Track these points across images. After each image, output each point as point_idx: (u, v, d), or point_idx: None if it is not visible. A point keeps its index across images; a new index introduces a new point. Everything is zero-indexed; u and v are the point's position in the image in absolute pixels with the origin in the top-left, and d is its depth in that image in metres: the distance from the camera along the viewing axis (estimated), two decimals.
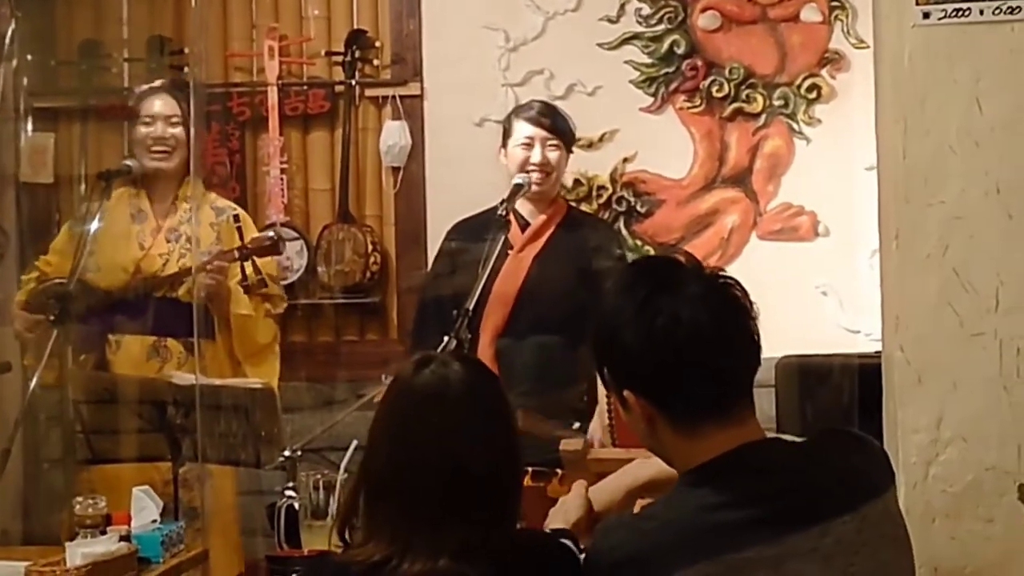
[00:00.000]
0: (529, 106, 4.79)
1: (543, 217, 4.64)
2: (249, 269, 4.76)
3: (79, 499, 3.46)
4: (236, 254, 4.76)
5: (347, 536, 2.44)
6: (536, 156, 4.59)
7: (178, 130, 4.92)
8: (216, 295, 4.76)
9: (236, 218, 4.90)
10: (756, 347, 2.36)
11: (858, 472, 2.36)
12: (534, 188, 4.57)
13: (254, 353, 4.92)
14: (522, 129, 4.65)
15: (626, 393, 2.36)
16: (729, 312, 2.34)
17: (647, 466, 2.88)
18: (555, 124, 4.66)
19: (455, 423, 2.37)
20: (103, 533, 3.40)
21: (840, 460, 2.38)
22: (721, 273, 2.39)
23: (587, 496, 2.84)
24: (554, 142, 4.63)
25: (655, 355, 2.30)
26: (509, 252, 4.55)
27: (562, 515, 2.76)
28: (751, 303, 2.36)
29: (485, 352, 4.48)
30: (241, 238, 4.83)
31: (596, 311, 2.42)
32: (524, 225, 4.63)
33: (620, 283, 2.41)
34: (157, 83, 5.14)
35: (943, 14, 3.08)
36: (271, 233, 4.91)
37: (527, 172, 4.57)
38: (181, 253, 4.88)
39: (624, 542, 2.28)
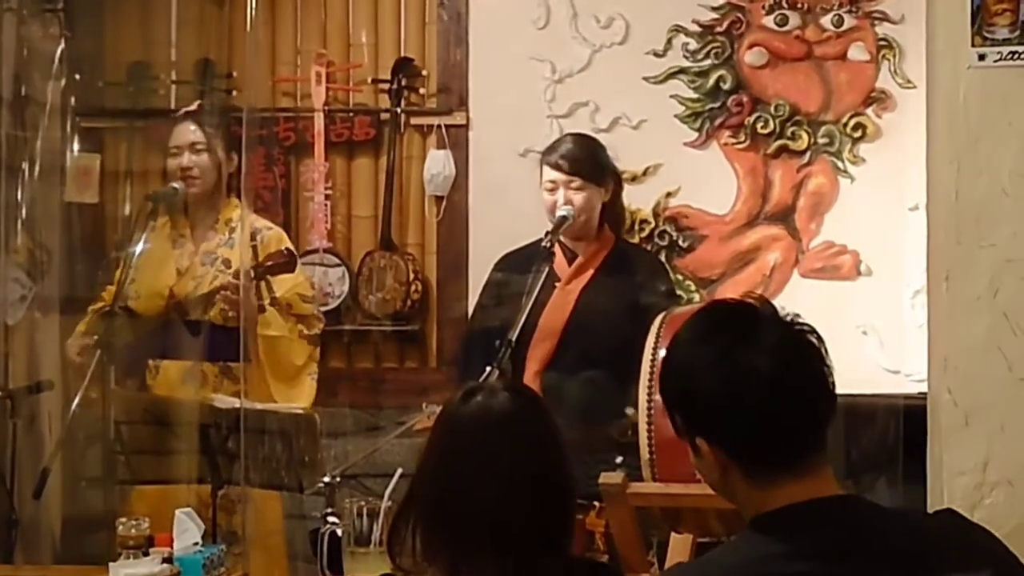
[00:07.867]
0: (554, 147, 4.67)
1: (590, 250, 4.60)
2: (263, 288, 4.73)
3: (122, 520, 3.48)
4: (252, 273, 4.73)
5: (397, 562, 2.45)
6: (560, 200, 4.54)
7: (202, 157, 4.92)
8: (248, 317, 4.70)
9: (252, 236, 4.87)
10: (832, 398, 2.30)
11: (944, 541, 2.26)
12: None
13: (287, 375, 4.89)
14: (546, 173, 4.57)
15: (698, 441, 2.30)
16: (807, 363, 2.28)
17: None
18: (576, 166, 4.53)
19: (501, 452, 2.38)
20: (146, 554, 3.41)
21: (930, 527, 2.31)
22: (797, 320, 2.34)
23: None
24: (577, 184, 4.53)
25: (733, 408, 2.24)
26: (556, 285, 4.52)
27: None
28: (826, 350, 2.33)
29: (530, 385, 4.45)
30: (256, 257, 4.80)
31: (669, 356, 2.37)
32: (572, 257, 4.58)
33: (696, 329, 2.35)
34: (181, 112, 5.17)
35: (998, 56, 3.09)
36: (284, 248, 4.85)
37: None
38: (215, 276, 4.87)
39: None
